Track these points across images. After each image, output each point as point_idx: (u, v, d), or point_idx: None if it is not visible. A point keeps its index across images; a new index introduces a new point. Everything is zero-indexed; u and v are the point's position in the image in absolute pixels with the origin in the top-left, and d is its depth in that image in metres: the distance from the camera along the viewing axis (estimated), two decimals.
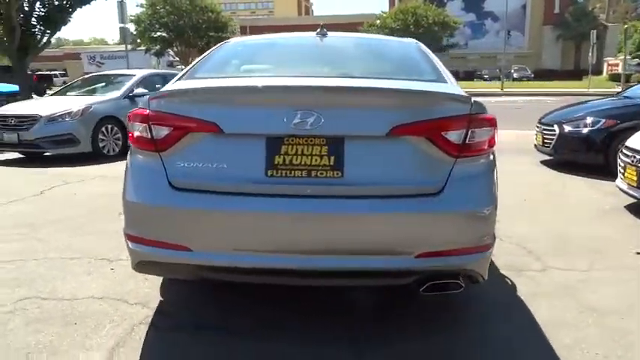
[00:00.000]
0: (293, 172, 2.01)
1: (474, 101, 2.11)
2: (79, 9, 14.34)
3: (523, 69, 44.64)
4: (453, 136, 2.04)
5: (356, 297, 2.76)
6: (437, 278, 2.08)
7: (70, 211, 4.54)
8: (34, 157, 7.62)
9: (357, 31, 34.64)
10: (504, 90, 29.94)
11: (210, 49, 3.02)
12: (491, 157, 2.22)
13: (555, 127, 6.68)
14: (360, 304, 2.72)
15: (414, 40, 3.14)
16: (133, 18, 36.35)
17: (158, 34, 35.62)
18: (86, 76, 10.67)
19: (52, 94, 10.06)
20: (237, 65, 2.79)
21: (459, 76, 45.10)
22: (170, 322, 2.49)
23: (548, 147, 6.76)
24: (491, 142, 2.16)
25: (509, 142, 8.96)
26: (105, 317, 2.51)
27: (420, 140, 2.03)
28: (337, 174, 2.01)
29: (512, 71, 42.99)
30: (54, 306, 2.64)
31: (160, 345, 2.31)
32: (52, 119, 7.38)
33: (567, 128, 6.56)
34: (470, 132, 2.06)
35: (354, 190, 2.01)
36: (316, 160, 2.01)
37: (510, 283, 2.97)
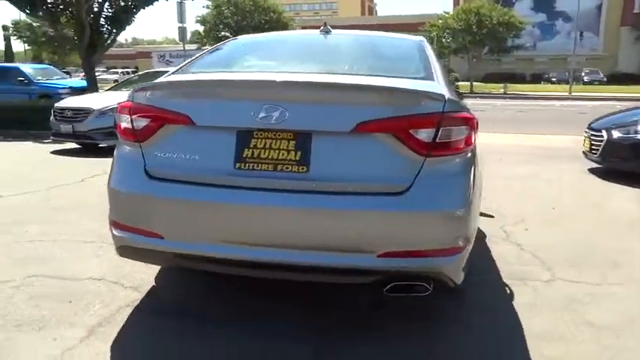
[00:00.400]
0: (260, 165, 2.04)
1: (448, 99, 2.04)
2: (142, 10, 15.03)
3: (595, 72, 42.16)
4: (422, 134, 1.98)
5: (344, 293, 2.75)
6: (400, 279, 2.03)
7: (101, 198, 4.78)
8: (89, 147, 8.09)
9: (418, 31, 34.11)
10: (572, 94, 28.48)
11: (213, 46, 3.11)
12: (469, 157, 2.13)
13: (603, 132, 6.28)
14: (342, 302, 2.70)
15: (420, 38, 3.07)
16: (199, 18, 37.84)
17: (222, 33, 36.73)
18: (141, 72, 11.19)
19: (107, 90, 10.63)
20: (229, 61, 2.84)
21: (525, 79, 43.25)
22: (154, 307, 2.58)
23: (595, 154, 6.37)
24: (468, 142, 2.09)
25: (562, 147, 8.57)
26: (97, 298, 2.65)
27: (387, 138, 1.99)
28: (302, 169, 2.01)
29: (583, 74, 40.71)
30: (56, 284, 2.81)
31: (137, 327, 2.40)
32: (103, 112, 7.82)
33: (616, 134, 6.15)
34: (441, 131, 1.99)
35: (318, 185, 2.00)
36: (283, 154, 2.03)
37: (509, 291, 2.84)
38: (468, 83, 31.21)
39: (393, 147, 1.99)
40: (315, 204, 1.98)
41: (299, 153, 2.01)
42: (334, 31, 3.07)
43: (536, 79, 43.87)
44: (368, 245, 1.98)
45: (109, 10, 14.54)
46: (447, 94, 2.09)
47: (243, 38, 3.46)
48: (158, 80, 2.34)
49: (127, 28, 15.09)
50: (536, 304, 2.69)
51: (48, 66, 19.93)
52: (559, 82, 39.39)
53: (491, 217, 4.34)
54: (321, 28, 3.08)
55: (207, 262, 2.17)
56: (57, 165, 7.01)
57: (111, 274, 2.93)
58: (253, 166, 2.04)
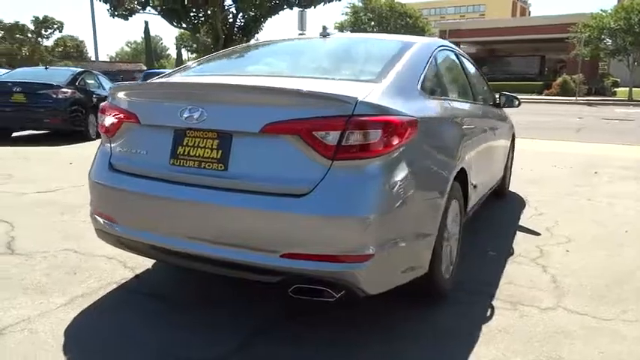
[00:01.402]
0: (188, 162, 2.18)
1: (362, 102, 1.97)
2: (269, 18, 16.15)
3: None
4: (327, 136, 1.95)
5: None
6: (303, 282, 2.01)
7: None
8: None
9: (568, 32, 31.18)
10: None
11: (215, 53, 3.33)
12: (390, 161, 2.03)
13: None
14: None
15: (418, 40, 2.94)
16: (337, 25, 39.10)
17: None
18: None
19: None
20: (204, 67, 3.01)
21: None
22: (137, 287, 2.85)
23: None
24: (388, 146, 1.99)
25: None
26: (97, 273, 3.01)
27: (293, 139, 1.99)
28: (221, 167, 2.11)
29: None
30: (75, 258, 3.24)
31: (109, 302, 2.68)
32: None
33: None
34: (347, 134, 1.94)
35: (233, 183, 2.08)
36: (207, 152, 2.14)
37: (488, 314, 2.60)
38: (627, 89, 27.67)
39: (298, 149, 1.99)
40: (228, 201, 2.07)
41: (220, 152, 2.12)
42: (333, 36, 3.10)
43: None
44: (271, 245, 2.01)
45: (241, 20, 15.90)
46: (367, 97, 2.02)
47: (251, 43, 3.64)
48: (118, 84, 2.62)
49: (255, 35, 16.46)
50: (509, 332, 2.42)
51: None
52: None
53: (537, 234, 3.96)
54: (320, 32, 3.13)
55: (149, 249, 2.36)
56: None
57: (121, 255, 3.28)
58: (183, 162, 2.19)
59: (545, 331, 2.43)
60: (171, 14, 15.95)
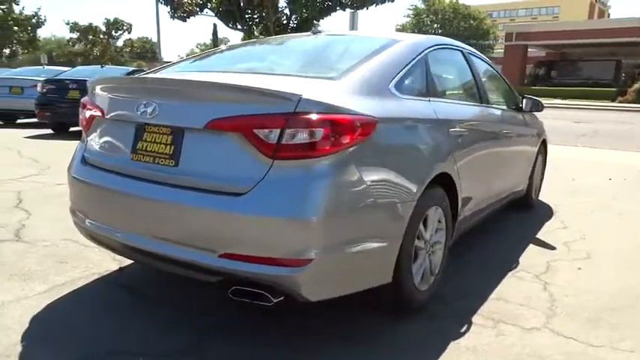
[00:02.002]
0: (145, 157, 2.18)
1: (305, 99, 1.88)
2: (321, 20, 16.20)
3: None
4: (267, 134, 1.88)
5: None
6: (241, 284, 1.95)
7: None
8: None
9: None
10: None
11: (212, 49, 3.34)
12: (339, 161, 1.92)
13: None
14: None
15: (405, 38, 2.80)
16: (398, 27, 38.63)
17: None
18: None
19: None
20: (196, 63, 3.01)
21: None
22: (117, 280, 2.91)
23: None
24: (335, 146, 1.89)
25: None
26: (84, 263, 3.09)
27: (236, 136, 1.93)
28: (172, 162, 2.09)
29: None
30: (73, 247, 3.34)
31: (86, 293, 2.74)
32: None
33: None
34: (290, 132, 1.86)
35: (181, 180, 2.06)
36: (162, 148, 2.13)
37: (463, 330, 2.42)
38: None
39: (241, 146, 1.93)
40: (173, 198, 2.05)
41: (172, 148, 2.10)
42: (324, 33, 3.03)
43: None
44: (210, 244, 1.97)
45: (294, 22, 16.06)
46: (314, 95, 1.94)
47: (236, 44, 3.64)
48: (94, 79, 2.66)
49: None
50: (477, 352, 2.24)
51: None
52: None
53: (553, 248, 3.69)
54: (312, 29, 3.08)
55: (113, 244, 2.38)
56: None
57: None
58: (141, 157, 2.20)
59: (519, 354, 2.23)
60: (228, 16, 16.41)
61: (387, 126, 2.19)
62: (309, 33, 3.11)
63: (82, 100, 2.59)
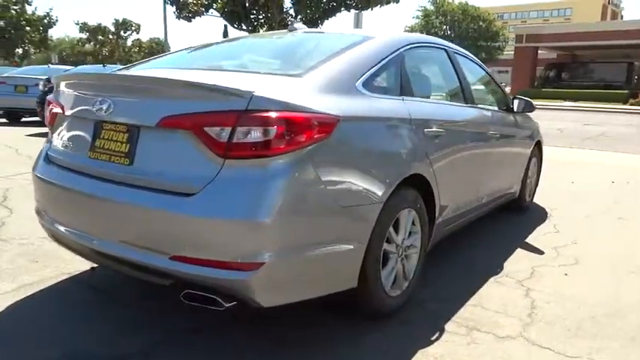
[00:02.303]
0: (102, 155, 2.12)
1: (258, 96, 1.81)
2: (325, 21, 16.13)
3: None
4: (218, 132, 1.81)
5: None
6: (192, 287, 1.88)
7: None
8: None
9: None
10: None
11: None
12: (290, 162, 1.84)
13: None
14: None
15: (378, 35, 2.72)
16: (407, 29, 38.45)
17: None
18: None
19: None
20: (167, 59, 2.95)
21: None
22: (86, 280, 2.86)
23: None
24: (290, 145, 1.82)
25: None
26: (56, 262, 3.04)
27: (187, 134, 1.87)
28: (127, 161, 2.03)
29: None
30: (48, 246, 3.27)
31: (53, 292, 2.70)
32: None
33: None
34: (241, 130, 1.79)
35: (135, 179, 1.99)
36: (118, 146, 2.07)
37: (435, 337, 2.34)
38: None
39: (192, 145, 1.86)
40: (128, 197, 1.98)
41: (128, 145, 2.04)
42: (300, 31, 2.97)
43: None
44: (161, 245, 1.90)
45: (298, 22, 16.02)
46: (269, 92, 1.87)
47: (213, 41, 3.59)
48: (58, 75, 2.61)
49: None
50: (444, 359, 2.16)
51: None
52: None
53: (541, 253, 3.59)
54: (289, 27, 3.02)
55: (71, 244, 2.32)
56: None
57: None
58: (98, 155, 2.14)
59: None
60: (233, 16, 16.43)
61: (351, 125, 2.11)
62: (286, 30, 3.05)
63: (48, 97, 2.55)
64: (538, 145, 4.79)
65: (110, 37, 48.62)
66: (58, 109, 2.37)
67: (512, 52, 39.11)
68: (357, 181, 2.10)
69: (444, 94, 3.29)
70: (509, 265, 3.32)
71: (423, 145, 2.56)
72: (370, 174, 2.18)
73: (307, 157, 1.89)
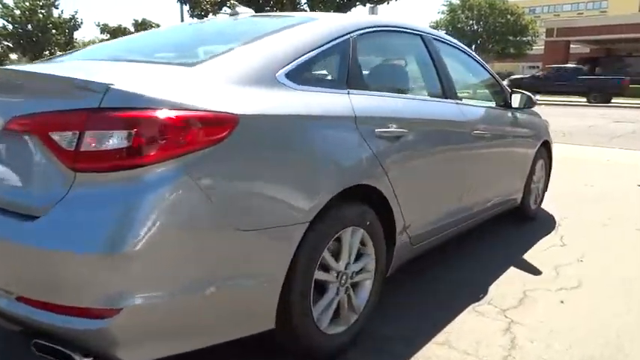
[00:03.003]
0: None
1: (116, 90, 1.40)
2: None
3: None
4: (70, 138, 1.40)
5: None
6: (42, 337, 1.47)
7: None
8: None
9: None
10: None
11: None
12: (164, 174, 1.41)
13: None
14: None
15: (321, 17, 2.30)
16: (432, 24, 37.50)
17: None
18: None
19: None
20: (89, 51, 2.57)
21: None
22: None
23: None
24: (162, 152, 1.40)
25: None
26: None
27: (34, 140, 1.46)
28: None
29: None
30: None
31: None
32: None
33: None
34: (90, 134, 1.38)
35: None
36: None
37: None
38: None
39: (40, 154, 1.46)
40: None
41: None
42: (242, 15, 2.57)
43: None
44: (5, 282, 1.50)
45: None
46: (133, 85, 1.45)
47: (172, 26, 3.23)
48: None
49: None
50: None
51: None
52: None
53: (538, 273, 3.12)
54: (231, 12, 2.61)
55: None
56: None
57: None
58: None
59: None
60: None
61: (262, 124, 1.67)
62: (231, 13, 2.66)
63: None
64: (545, 146, 4.23)
65: None
66: None
67: (543, 47, 37.68)
68: (268, 197, 1.66)
69: (414, 88, 2.81)
70: (496, 288, 2.82)
71: (374, 148, 2.10)
72: (290, 187, 1.73)
73: (188, 168, 1.46)
